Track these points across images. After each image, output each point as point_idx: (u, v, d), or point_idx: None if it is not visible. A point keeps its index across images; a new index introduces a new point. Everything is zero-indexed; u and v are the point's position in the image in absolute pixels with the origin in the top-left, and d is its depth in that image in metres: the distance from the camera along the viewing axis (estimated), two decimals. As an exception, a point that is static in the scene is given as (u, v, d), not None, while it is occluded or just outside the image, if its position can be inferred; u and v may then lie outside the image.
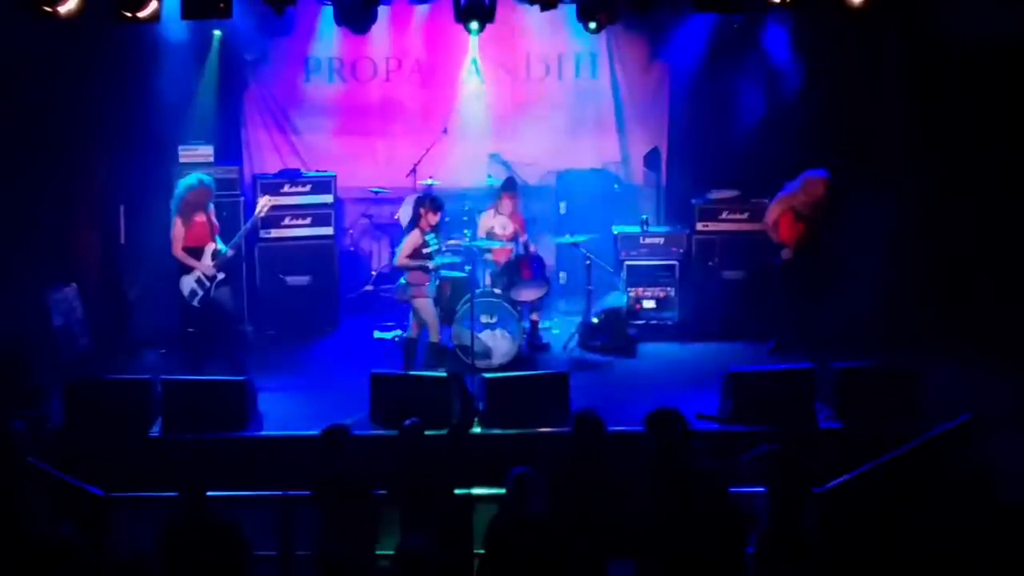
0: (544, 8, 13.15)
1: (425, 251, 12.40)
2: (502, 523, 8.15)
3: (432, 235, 12.48)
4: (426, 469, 9.08)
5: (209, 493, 8.38)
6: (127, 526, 9.84)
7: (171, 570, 8.18)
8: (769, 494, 8.57)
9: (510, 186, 13.77)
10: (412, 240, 12.38)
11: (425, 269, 12.36)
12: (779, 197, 12.91)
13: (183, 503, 8.31)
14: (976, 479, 8.04)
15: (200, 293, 12.35)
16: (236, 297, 12.92)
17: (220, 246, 12.42)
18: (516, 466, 8.29)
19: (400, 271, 12.55)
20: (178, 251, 12.29)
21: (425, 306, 12.45)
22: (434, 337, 12.52)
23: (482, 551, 8.33)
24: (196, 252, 12.32)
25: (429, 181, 14.56)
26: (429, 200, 12.53)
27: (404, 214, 14.35)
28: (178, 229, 12.29)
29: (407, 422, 9.33)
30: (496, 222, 13.54)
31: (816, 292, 12.76)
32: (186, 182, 12.46)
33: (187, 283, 12.37)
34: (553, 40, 15.10)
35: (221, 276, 12.39)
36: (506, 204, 13.52)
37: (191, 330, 12.69)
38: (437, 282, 12.72)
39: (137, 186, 13.91)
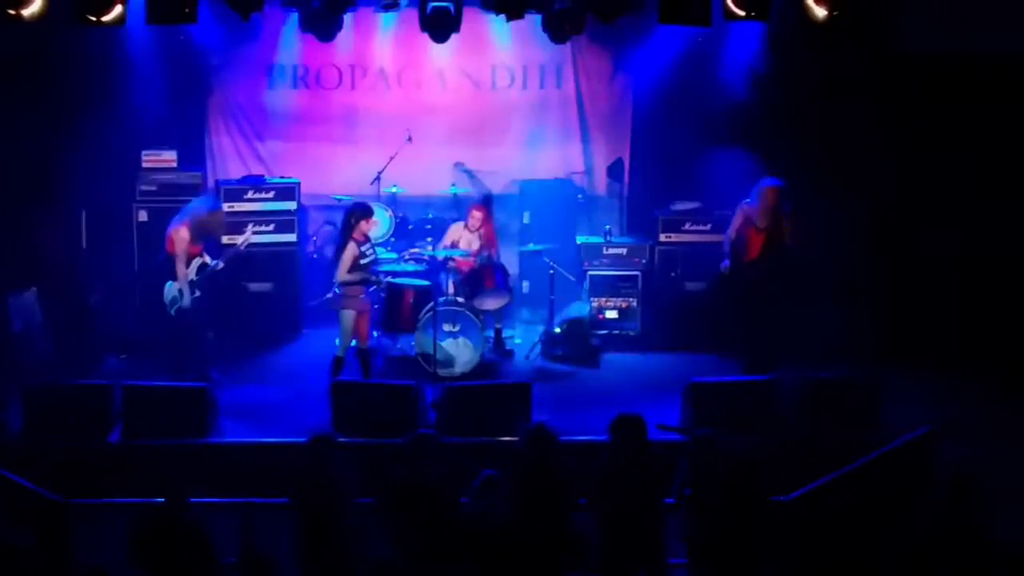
0: (511, 18, 13.18)
1: (363, 262, 12.27)
2: (468, 525, 8.18)
3: (369, 245, 12.40)
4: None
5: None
6: (87, 532, 9.79)
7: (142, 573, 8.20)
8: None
9: (482, 201, 13.78)
10: (349, 253, 12.19)
11: (367, 282, 12.26)
12: (737, 211, 12.94)
13: (162, 506, 8.31)
14: (949, 488, 8.11)
15: (180, 302, 12.34)
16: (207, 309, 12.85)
17: (207, 260, 12.49)
18: (481, 472, 8.34)
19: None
20: (181, 256, 12.32)
21: (347, 318, 12.24)
22: (340, 352, 12.35)
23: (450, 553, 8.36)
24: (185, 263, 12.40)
25: (393, 189, 14.56)
26: (360, 209, 12.39)
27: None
28: (185, 235, 12.32)
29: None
30: (463, 237, 13.50)
31: (777, 304, 12.80)
32: (210, 203, 12.76)
33: (171, 290, 12.38)
34: (518, 50, 15.12)
35: (199, 293, 12.44)
36: (475, 219, 13.49)
37: (161, 337, 12.71)
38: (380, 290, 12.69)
39: (100, 191, 13.87)
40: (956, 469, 8.32)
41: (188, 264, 12.41)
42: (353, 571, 8.87)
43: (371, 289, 12.47)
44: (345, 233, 12.31)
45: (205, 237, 12.66)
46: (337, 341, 13.73)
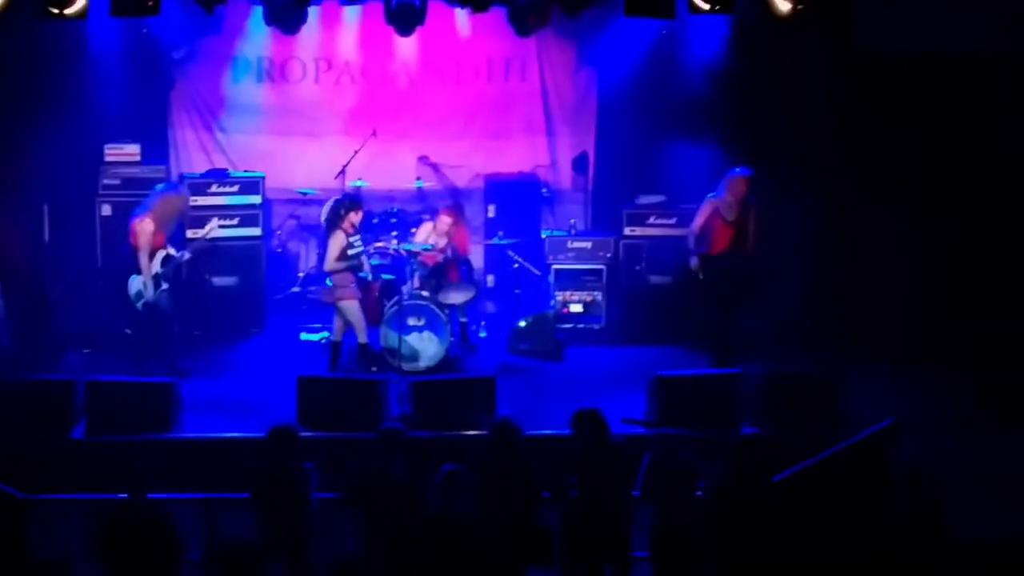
0: (477, 11, 13.17)
1: (350, 252, 12.37)
2: (432, 520, 8.19)
3: (357, 236, 12.44)
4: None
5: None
6: (47, 529, 9.74)
7: (107, 567, 8.15)
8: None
9: (452, 207, 13.78)
10: (337, 242, 12.35)
11: (355, 269, 12.32)
12: (705, 203, 12.95)
13: (125, 502, 8.29)
14: (907, 483, 8.16)
15: (145, 296, 12.30)
16: (173, 302, 12.80)
17: (171, 251, 12.48)
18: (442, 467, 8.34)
19: (328, 274, 12.50)
20: (145, 249, 12.27)
21: (351, 308, 12.42)
22: (362, 338, 12.49)
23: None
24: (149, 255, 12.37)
25: (358, 183, 14.53)
26: (348, 200, 12.54)
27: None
28: (149, 227, 12.30)
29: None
30: (432, 238, 13.45)
31: (743, 298, 12.84)
32: (169, 187, 12.78)
33: (136, 284, 12.33)
34: (483, 44, 15.10)
35: (166, 285, 12.42)
36: (443, 223, 13.47)
37: (128, 331, 12.70)
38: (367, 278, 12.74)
39: (62, 184, 13.78)
40: (910, 465, 8.36)
41: (152, 257, 12.36)
42: (314, 566, 8.85)
43: (360, 275, 12.49)
44: (334, 223, 12.42)
45: (171, 225, 12.64)
46: (304, 335, 13.80)
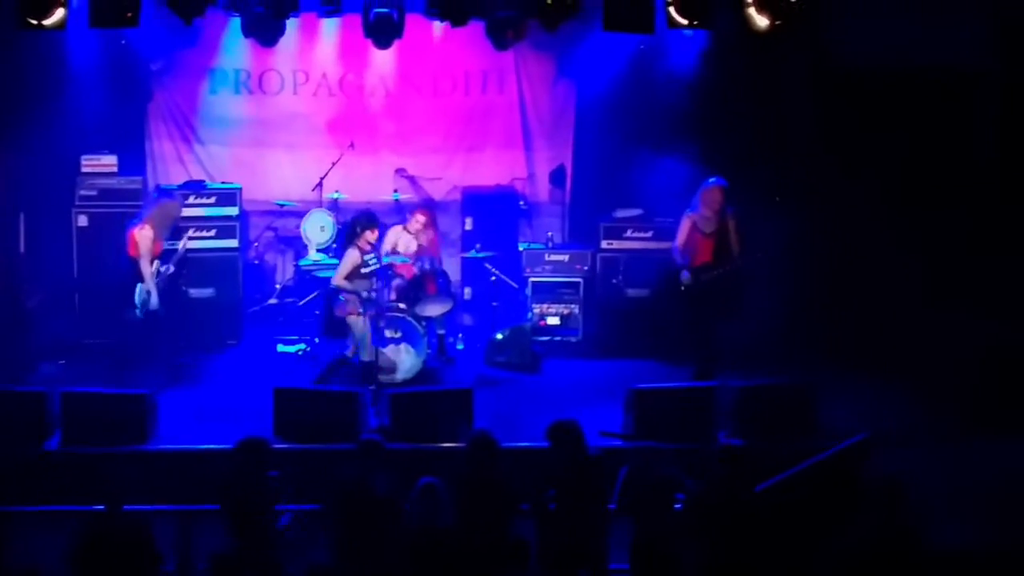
0: (455, 25, 13.20)
1: (364, 271, 12.28)
2: (411, 533, 8.19)
3: (372, 255, 12.38)
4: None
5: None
6: (22, 541, 9.68)
7: None
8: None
9: (425, 205, 13.78)
10: (350, 260, 12.27)
11: (358, 295, 12.23)
12: (683, 219, 12.97)
13: (101, 513, 8.27)
14: (883, 493, 8.19)
15: (150, 304, 12.39)
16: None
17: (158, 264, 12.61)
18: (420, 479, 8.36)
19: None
20: (147, 256, 12.36)
21: (356, 323, 12.33)
22: (364, 355, 12.39)
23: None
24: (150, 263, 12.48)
25: (335, 195, 14.53)
26: (365, 218, 12.45)
27: (309, 227, 14.30)
28: (149, 234, 12.41)
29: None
30: (401, 239, 13.49)
31: (727, 309, 12.87)
32: (163, 195, 13.01)
33: (141, 292, 12.39)
34: (461, 57, 15.13)
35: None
36: (417, 222, 13.47)
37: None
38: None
39: (38, 194, 13.76)
40: (885, 477, 8.38)
41: (153, 264, 12.44)
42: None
43: (363, 296, 12.34)
44: (348, 240, 12.37)
45: (167, 232, 12.75)
46: (280, 347, 13.79)
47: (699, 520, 8.88)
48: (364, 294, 12.24)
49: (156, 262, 12.52)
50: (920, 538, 8.28)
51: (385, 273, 13.19)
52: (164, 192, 13.36)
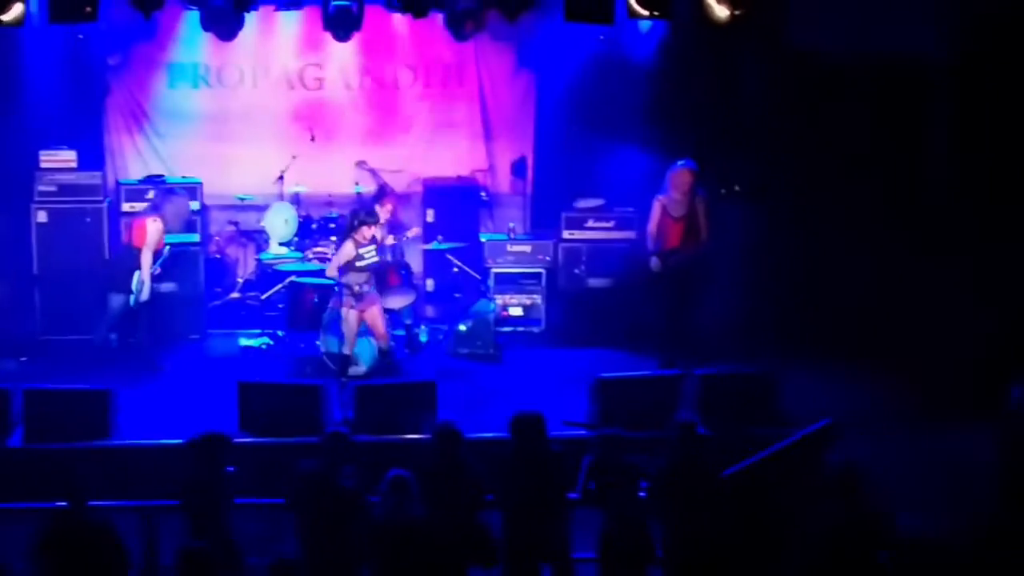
0: (417, 16, 13.21)
1: (359, 264, 12.22)
2: (380, 525, 8.20)
3: (371, 247, 12.30)
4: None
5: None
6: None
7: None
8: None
9: (384, 194, 13.76)
10: (344, 252, 12.22)
11: (350, 289, 12.21)
12: (654, 204, 13.00)
13: (64, 509, 8.22)
14: (842, 480, 8.25)
15: (139, 294, 12.53)
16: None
17: None
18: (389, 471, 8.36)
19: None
20: (151, 247, 12.51)
21: (346, 316, 12.31)
22: (347, 349, 12.38)
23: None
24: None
25: (297, 188, 14.52)
26: (365, 212, 12.42)
27: (271, 221, 14.27)
28: (160, 226, 12.59)
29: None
30: (376, 231, 13.43)
31: (694, 294, 12.93)
32: (172, 191, 13.07)
33: (136, 281, 12.47)
34: (421, 49, 15.13)
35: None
36: (385, 210, 13.51)
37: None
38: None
39: (-2, 190, 13.69)
40: (843, 462, 8.45)
41: (156, 257, 12.60)
42: (248, 569, 8.83)
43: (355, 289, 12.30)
44: (346, 232, 12.33)
45: (178, 227, 12.95)
46: (243, 341, 13.75)
47: (662, 500, 8.95)
48: (356, 288, 12.20)
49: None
50: (881, 523, 8.35)
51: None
52: (171, 189, 13.31)
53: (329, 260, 13.44)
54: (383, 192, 14.30)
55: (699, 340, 12.87)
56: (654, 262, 12.87)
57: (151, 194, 13.77)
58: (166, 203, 12.82)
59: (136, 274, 12.49)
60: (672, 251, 12.82)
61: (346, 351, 12.33)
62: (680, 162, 12.83)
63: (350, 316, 12.29)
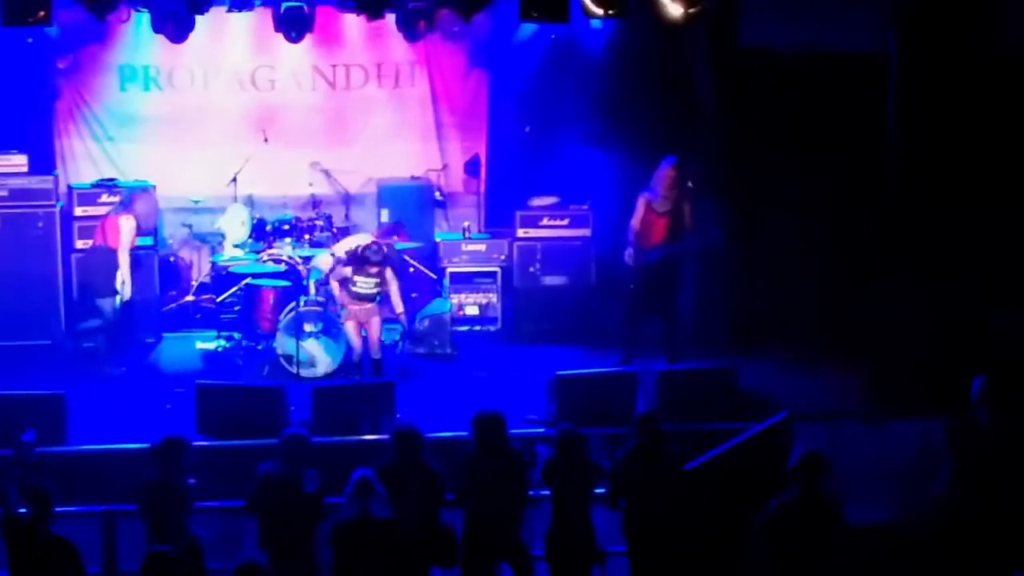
0: (372, 18, 13.22)
1: (353, 288, 12.31)
2: (347, 525, 8.20)
3: (370, 280, 12.29)
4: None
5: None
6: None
7: None
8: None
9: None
10: (343, 272, 12.37)
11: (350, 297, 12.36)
12: (639, 201, 13.02)
13: (29, 517, 8.18)
14: (805, 467, 8.32)
15: (122, 296, 12.65)
16: None
17: None
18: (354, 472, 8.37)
19: None
20: (126, 247, 12.61)
21: (347, 327, 12.44)
22: (354, 356, 12.50)
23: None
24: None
25: (251, 191, 14.47)
26: (373, 251, 12.31)
27: (227, 223, 14.20)
28: (132, 224, 12.69)
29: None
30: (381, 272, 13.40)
31: (674, 290, 13.02)
32: (139, 188, 13.14)
33: (119, 283, 12.59)
34: (372, 49, 15.12)
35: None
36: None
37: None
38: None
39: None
40: (806, 451, 8.53)
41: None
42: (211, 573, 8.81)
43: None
44: (354, 260, 12.35)
45: (149, 225, 13.07)
46: (199, 344, 13.71)
47: (624, 493, 9.01)
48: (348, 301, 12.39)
49: None
50: (840, 513, 8.44)
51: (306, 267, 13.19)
52: (137, 187, 13.28)
53: (283, 261, 13.48)
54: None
55: (676, 337, 12.95)
56: (629, 253, 12.90)
57: (104, 196, 13.73)
58: (137, 200, 12.82)
59: (118, 274, 12.48)
60: (656, 247, 12.86)
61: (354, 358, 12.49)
62: (665, 160, 12.86)
63: (348, 327, 12.36)
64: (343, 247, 12.97)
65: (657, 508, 8.95)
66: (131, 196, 12.96)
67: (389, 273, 12.48)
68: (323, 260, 13.04)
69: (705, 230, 12.99)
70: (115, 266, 12.57)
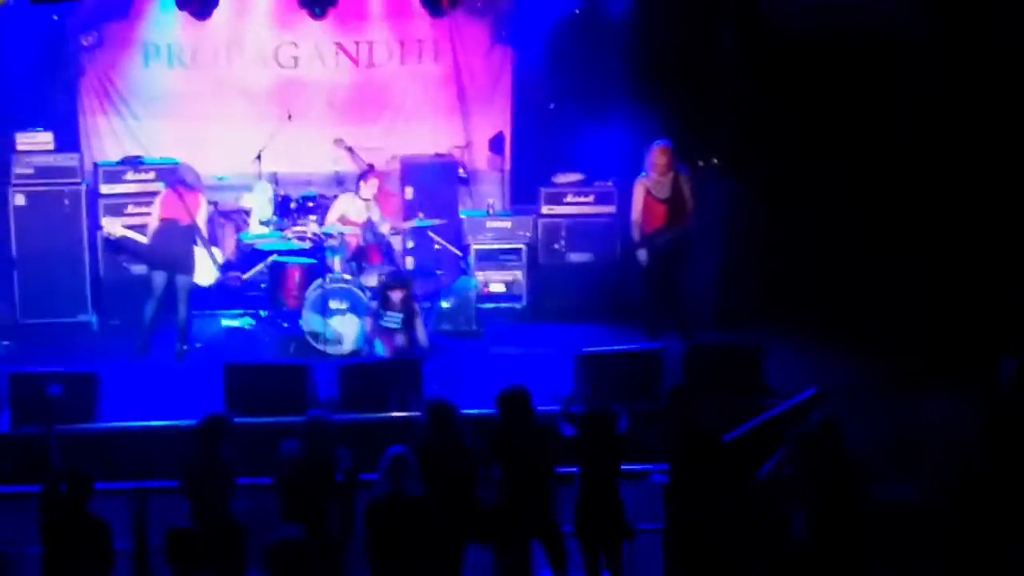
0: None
1: (381, 323, 12.47)
2: (381, 503, 8.24)
3: (398, 316, 12.43)
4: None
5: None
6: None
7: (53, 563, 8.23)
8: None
9: (373, 171, 13.79)
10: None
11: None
12: (636, 188, 13.02)
13: (68, 495, 8.22)
14: (824, 434, 8.33)
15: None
16: None
17: None
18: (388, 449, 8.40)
19: None
20: (205, 224, 12.89)
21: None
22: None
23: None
24: None
25: (275, 169, 14.48)
26: (390, 278, 12.69)
27: (253, 199, 14.21)
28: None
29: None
30: (352, 207, 13.47)
31: (679, 275, 12.99)
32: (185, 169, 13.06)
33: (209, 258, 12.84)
34: (396, 25, 15.11)
35: None
36: (371, 184, 13.50)
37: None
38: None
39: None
40: (821, 418, 8.55)
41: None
42: (246, 550, 8.86)
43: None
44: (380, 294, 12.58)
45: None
46: (225, 322, 13.74)
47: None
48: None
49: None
50: (863, 490, 8.44)
51: (329, 244, 13.21)
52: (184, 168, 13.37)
53: (308, 238, 13.50)
54: (368, 171, 14.23)
55: (684, 313, 12.94)
56: (642, 255, 12.92)
57: (130, 174, 13.74)
58: (187, 176, 12.88)
59: (196, 250, 12.60)
60: (657, 232, 12.85)
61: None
62: (655, 142, 12.85)
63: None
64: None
65: (700, 481, 8.93)
66: (177, 174, 13.01)
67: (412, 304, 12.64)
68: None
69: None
70: (195, 242, 12.63)
